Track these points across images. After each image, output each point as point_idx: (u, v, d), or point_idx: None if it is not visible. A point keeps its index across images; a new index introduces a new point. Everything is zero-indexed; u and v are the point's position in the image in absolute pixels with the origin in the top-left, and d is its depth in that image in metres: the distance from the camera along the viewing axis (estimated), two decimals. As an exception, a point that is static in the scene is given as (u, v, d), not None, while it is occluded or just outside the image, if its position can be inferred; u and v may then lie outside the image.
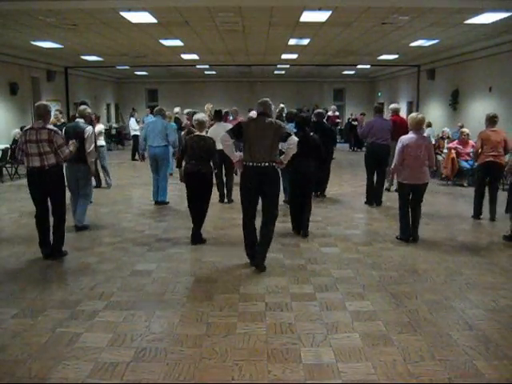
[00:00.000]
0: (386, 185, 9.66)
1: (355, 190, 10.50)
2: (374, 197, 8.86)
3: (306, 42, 13.65)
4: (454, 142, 11.29)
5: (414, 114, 6.61)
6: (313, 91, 26.13)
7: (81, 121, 6.98)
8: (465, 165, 10.92)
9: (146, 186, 10.07)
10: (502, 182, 10.75)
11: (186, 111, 13.93)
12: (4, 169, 12.06)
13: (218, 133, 6.89)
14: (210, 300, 4.46)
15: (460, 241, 6.56)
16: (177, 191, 9.66)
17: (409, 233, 6.44)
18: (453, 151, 10.94)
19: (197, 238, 6.38)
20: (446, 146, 11.97)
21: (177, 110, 14.22)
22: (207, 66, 20.73)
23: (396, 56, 16.67)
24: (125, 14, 9.57)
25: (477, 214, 7.78)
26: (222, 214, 8.21)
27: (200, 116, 6.62)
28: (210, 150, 6.25)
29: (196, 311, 4.21)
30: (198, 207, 6.37)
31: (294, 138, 5.20)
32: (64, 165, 6.97)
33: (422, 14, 9.72)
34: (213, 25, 11.06)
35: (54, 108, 15.99)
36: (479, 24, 10.48)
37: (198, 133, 6.44)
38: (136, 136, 14.75)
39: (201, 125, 6.47)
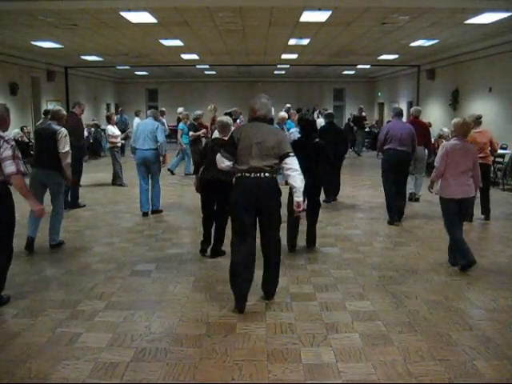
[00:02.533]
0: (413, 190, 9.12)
1: (354, 189, 10.50)
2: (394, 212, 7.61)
3: (306, 42, 13.65)
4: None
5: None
6: (313, 91, 26.12)
7: (53, 122, 6.25)
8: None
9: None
10: (503, 183, 10.76)
11: (178, 110, 13.97)
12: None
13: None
14: (210, 300, 4.46)
15: (460, 241, 6.56)
16: (177, 191, 9.66)
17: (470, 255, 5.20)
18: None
19: (217, 252, 5.82)
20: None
21: (180, 109, 14.25)
22: (207, 66, 20.73)
23: (396, 56, 16.66)
24: (125, 14, 9.56)
25: (470, 216, 7.71)
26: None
27: (224, 118, 5.98)
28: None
29: (196, 311, 4.21)
30: (216, 218, 5.79)
31: (292, 161, 4.24)
32: (29, 170, 6.13)
33: (422, 14, 9.71)
34: (213, 25, 11.06)
35: (50, 107, 16.01)
36: (479, 24, 10.48)
37: (220, 136, 5.82)
38: None
39: (224, 128, 5.78)
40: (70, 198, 8.48)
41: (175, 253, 5.99)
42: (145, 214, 8.04)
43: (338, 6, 9.07)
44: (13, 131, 12.96)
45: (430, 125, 15.59)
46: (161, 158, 8.05)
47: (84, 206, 8.75)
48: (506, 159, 11.12)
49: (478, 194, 7.15)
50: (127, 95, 26.25)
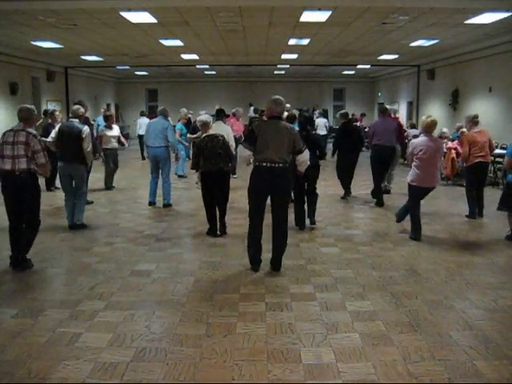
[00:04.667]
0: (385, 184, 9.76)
1: (354, 189, 10.49)
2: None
3: (306, 42, 13.65)
4: (454, 143, 11.29)
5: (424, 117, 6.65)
6: (313, 91, 26.12)
7: (75, 121, 6.99)
8: (465, 165, 10.91)
9: (147, 186, 10.04)
10: (502, 182, 10.76)
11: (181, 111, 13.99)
12: None
13: (219, 130, 7.13)
14: (210, 300, 4.46)
15: (460, 241, 6.57)
16: (177, 192, 9.66)
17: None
18: (452, 151, 10.94)
19: (222, 229, 6.70)
20: (445, 146, 11.96)
21: (183, 110, 14.22)
22: (207, 66, 20.73)
23: (396, 56, 16.66)
24: (125, 14, 9.56)
25: (473, 213, 7.78)
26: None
27: (204, 117, 6.77)
28: (226, 146, 6.49)
29: (196, 311, 4.21)
30: (219, 203, 6.60)
31: (305, 156, 5.27)
32: (58, 164, 7.07)
33: (422, 14, 9.71)
34: (213, 25, 11.06)
35: (53, 108, 16.03)
36: (479, 24, 10.48)
37: (206, 133, 6.57)
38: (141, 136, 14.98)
39: (205, 125, 6.65)
40: None
41: (175, 253, 5.99)
42: (150, 204, 8.67)
43: (338, 6, 9.07)
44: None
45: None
46: (172, 155, 8.78)
47: (92, 202, 8.83)
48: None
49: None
50: (127, 95, 26.25)
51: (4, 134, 5.34)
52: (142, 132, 15.94)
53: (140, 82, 26.13)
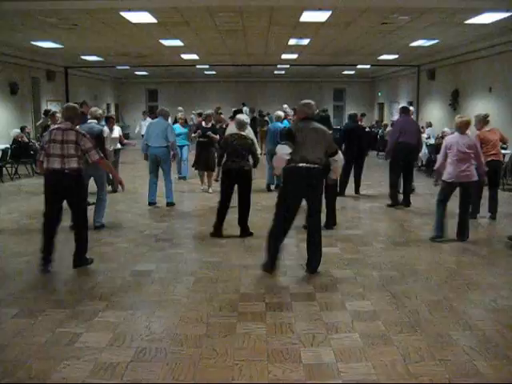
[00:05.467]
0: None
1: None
2: (403, 197, 8.81)
3: (306, 42, 13.66)
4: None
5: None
6: (313, 91, 26.08)
7: (94, 121, 7.04)
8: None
9: (147, 186, 10.04)
10: (503, 183, 10.75)
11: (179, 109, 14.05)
12: (4, 169, 12.06)
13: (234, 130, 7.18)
14: (210, 300, 4.46)
15: (460, 241, 6.55)
16: (177, 193, 9.66)
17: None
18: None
19: (245, 232, 6.67)
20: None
21: (180, 109, 14.23)
22: (207, 66, 20.73)
23: (396, 56, 16.67)
24: (125, 14, 9.57)
25: (475, 213, 7.77)
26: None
27: (242, 117, 6.95)
28: (251, 148, 6.58)
29: (196, 311, 4.21)
30: (242, 206, 6.63)
31: (340, 156, 5.31)
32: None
33: (422, 14, 9.72)
34: (213, 25, 11.07)
35: (54, 108, 16.04)
36: (479, 24, 10.48)
37: (237, 131, 6.74)
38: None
39: (242, 125, 6.79)
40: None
41: (175, 253, 5.99)
42: (150, 204, 8.70)
43: (338, 6, 9.08)
44: (13, 131, 12.95)
45: (430, 125, 15.64)
46: (171, 155, 8.74)
47: (93, 203, 8.69)
48: (506, 159, 11.11)
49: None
50: (127, 95, 26.26)
51: (50, 132, 5.25)
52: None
53: (140, 81, 26.14)
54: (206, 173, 10.27)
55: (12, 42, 13.15)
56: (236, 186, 6.60)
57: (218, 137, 10.09)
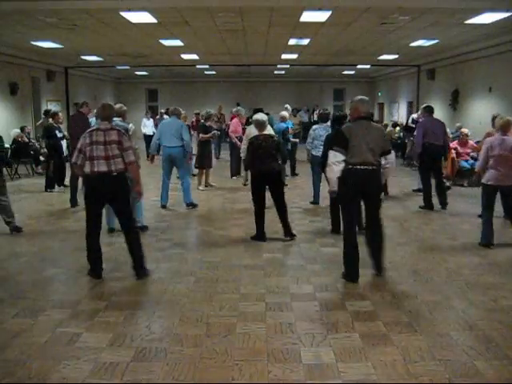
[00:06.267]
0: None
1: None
2: (439, 200, 8.53)
3: (306, 42, 13.65)
4: (454, 142, 11.30)
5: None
6: (313, 91, 26.13)
7: (118, 119, 6.73)
8: (465, 165, 10.93)
9: (148, 187, 10.04)
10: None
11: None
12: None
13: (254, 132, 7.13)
14: (209, 300, 4.46)
15: (460, 241, 6.56)
16: (177, 192, 9.65)
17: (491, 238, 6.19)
18: (453, 151, 10.95)
19: (289, 233, 6.49)
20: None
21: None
22: (207, 66, 20.73)
23: (396, 56, 16.66)
24: (125, 14, 9.57)
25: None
26: (223, 215, 8.20)
27: (259, 116, 6.75)
28: (280, 147, 6.42)
29: (196, 311, 4.21)
30: (278, 205, 6.45)
31: (393, 157, 5.09)
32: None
33: (422, 14, 9.72)
34: (213, 25, 11.06)
35: (54, 108, 16.04)
36: (479, 24, 10.48)
37: (259, 133, 6.52)
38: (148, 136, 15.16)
39: (262, 125, 6.57)
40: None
41: (175, 253, 5.99)
42: (163, 207, 8.53)
43: (338, 6, 9.08)
44: (13, 131, 12.95)
45: None
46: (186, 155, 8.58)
47: None
48: None
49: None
50: (127, 95, 26.24)
51: (90, 133, 4.98)
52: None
53: (140, 81, 26.15)
54: (203, 171, 10.48)
55: (12, 42, 13.14)
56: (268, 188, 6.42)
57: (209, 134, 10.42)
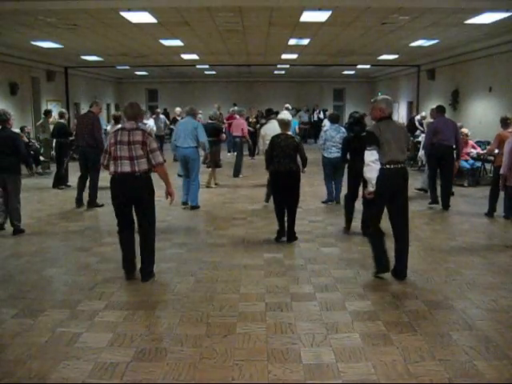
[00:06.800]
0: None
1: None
2: (441, 200, 8.49)
3: (306, 42, 13.66)
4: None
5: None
6: (313, 91, 26.14)
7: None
8: (465, 165, 10.92)
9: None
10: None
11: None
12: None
13: (275, 129, 7.18)
14: (210, 300, 4.46)
15: (460, 241, 6.56)
16: (178, 192, 9.65)
17: None
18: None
19: (291, 236, 6.45)
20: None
21: (178, 109, 14.29)
22: (207, 66, 20.74)
23: (396, 56, 16.67)
24: (125, 14, 9.57)
25: (492, 212, 7.76)
26: (223, 215, 8.20)
27: (285, 116, 6.76)
28: (300, 148, 6.41)
29: (196, 311, 4.21)
30: (289, 205, 6.41)
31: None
32: None
33: (422, 14, 9.72)
34: (213, 25, 11.07)
35: (55, 108, 16.04)
36: (479, 24, 10.49)
37: (282, 132, 6.51)
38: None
39: (286, 125, 6.55)
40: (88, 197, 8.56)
41: (175, 252, 5.99)
42: (184, 204, 8.63)
43: (338, 6, 9.09)
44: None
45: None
46: (202, 154, 8.73)
47: (102, 205, 8.51)
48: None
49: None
50: (127, 95, 26.23)
51: (115, 133, 4.93)
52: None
53: (140, 82, 26.17)
54: (215, 170, 10.76)
55: (12, 42, 13.15)
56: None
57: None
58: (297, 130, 11.54)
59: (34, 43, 13.31)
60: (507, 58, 12.30)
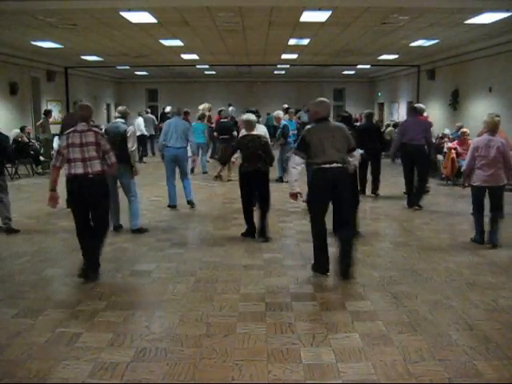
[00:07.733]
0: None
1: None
2: (412, 197, 8.58)
3: (306, 42, 13.66)
4: (454, 142, 11.29)
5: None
6: (313, 91, 26.06)
7: (121, 121, 6.80)
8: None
9: (146, 187, 10.06)
10: None
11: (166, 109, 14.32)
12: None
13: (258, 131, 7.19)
14: (210, 300, 4.46)
15: (460, 241, 6.56)
16: (180, 191, 9.65)
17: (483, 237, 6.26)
18: (453, 151, 10.94)
19: (264, 235, 6.45)
20: (445, 146, 11.97)
21: (168, 109, 14.37)
22: (207, 66, 20.74)
23: (396, 56, 16.67)
24: (125, 14, 9.57)
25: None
26: (223, 215, 8.20)
27: (249, 116, 6.78)
28: (267, 147, 6.44)
29: (196, 311, 4.21)
30: (260, 206, 6.49)
31: (357, 154, 5.27)
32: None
33: (422, 14, 9.72)
34: (213, 25, 11.07)
35: (55, 108, 16.04)
36: (479, 24, 10.49)
37: (247, 132, 6.57)
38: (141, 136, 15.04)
39: (250, 125, 6.58)
40: None
41: (175, 252, 5.99)
42: (173, 207, 8.55)
43: (338, 6, 9.09)
44: (12, 131, 12.94)
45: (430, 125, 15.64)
46: (190, 156, 8.85)
47: None
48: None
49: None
50: (127, 95, 26.26)
51: (67, 135, 4.92)
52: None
53: (140, 81, 26.16)
54: (226, 166, 11.09)
55: (12, 42, 13.15)
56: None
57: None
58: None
59: (34, 43, 13.31)
60: (507, 58, 12.30)
